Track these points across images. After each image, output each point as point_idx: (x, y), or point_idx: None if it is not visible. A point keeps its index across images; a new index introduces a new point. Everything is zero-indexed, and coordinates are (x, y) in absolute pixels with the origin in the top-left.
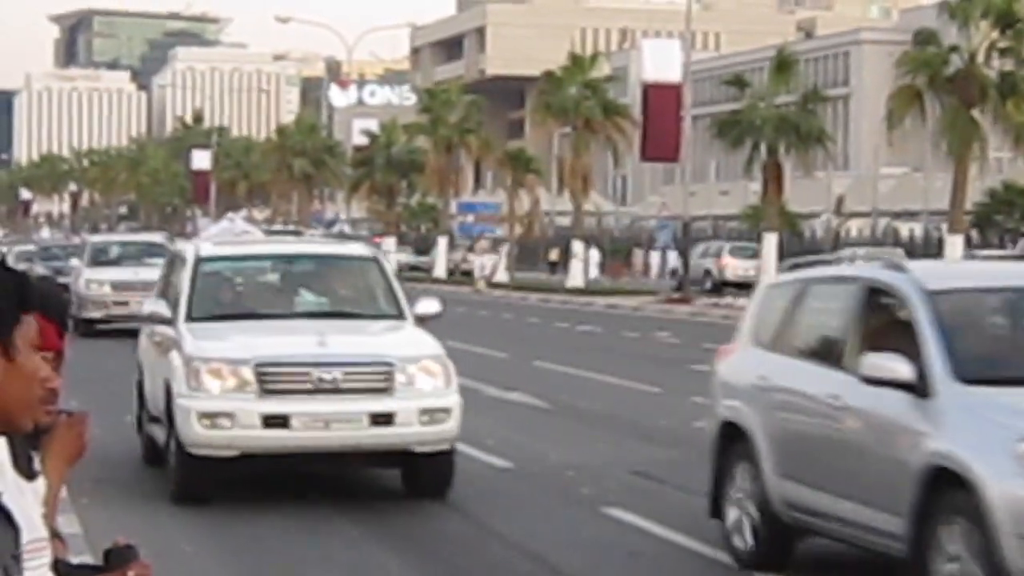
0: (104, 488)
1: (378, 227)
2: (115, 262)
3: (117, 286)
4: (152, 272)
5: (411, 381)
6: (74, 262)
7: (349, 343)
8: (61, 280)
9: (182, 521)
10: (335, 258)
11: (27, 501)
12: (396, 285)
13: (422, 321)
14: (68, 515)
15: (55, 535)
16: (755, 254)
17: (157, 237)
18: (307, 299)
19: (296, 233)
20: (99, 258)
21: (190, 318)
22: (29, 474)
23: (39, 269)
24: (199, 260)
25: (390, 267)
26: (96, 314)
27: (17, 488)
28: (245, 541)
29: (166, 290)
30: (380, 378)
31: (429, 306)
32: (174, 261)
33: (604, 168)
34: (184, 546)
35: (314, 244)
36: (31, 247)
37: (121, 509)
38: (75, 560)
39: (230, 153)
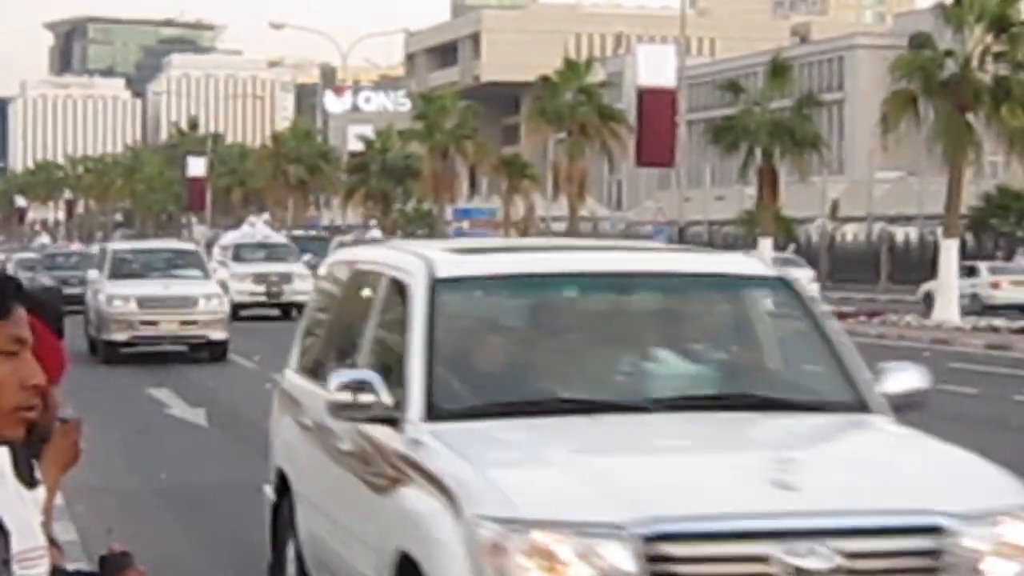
0: (100, 495)
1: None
2: (140, 274)
3: (145, 302)
4: (184, 286)
5: (974, 565)
6: (92, 274)
7: (840, 478)
8: (68, 291)
9: (179, 528)
10: (707, 281)
11: (28, 509)
12: (835, 334)
13: (898, 411)
14: (64, 522)
15: (51, 542)
16: None
17: (188, 245)
18: (673, 368)
19: (321, 239)
20: (121, 269)
21: (434, 414)
22: (30, 482)
23: (44, 279)
24: (438, 286)
25: (815, 298)
26: (121, 336)
27: (18, 496)
28: (243, 553)
29: (344, 348)
30: (919, 562)
31: (909, 378)
32: (361, 286)
33: (599, 173)
34: (180, 553)
35: (655, 254)
36: (33, 255)
37: (117, 516)
38: (71, 567)
39: (225, 160)
